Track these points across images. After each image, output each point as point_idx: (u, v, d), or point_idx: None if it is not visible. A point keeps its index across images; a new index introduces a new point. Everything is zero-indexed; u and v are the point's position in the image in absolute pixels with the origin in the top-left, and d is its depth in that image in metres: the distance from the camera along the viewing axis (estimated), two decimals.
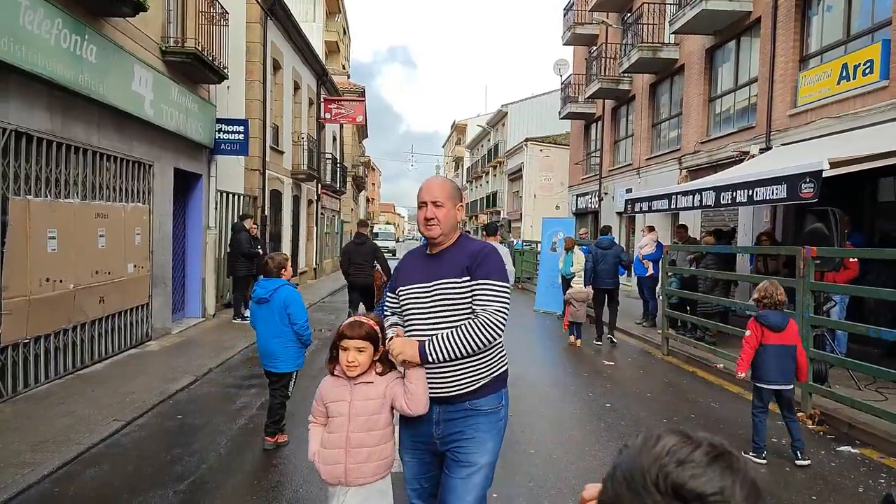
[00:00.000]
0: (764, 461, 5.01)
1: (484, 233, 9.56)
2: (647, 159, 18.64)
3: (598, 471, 4.71)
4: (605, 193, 22.02)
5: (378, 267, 9.77)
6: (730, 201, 8.42)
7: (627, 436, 5.45)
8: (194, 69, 9.96)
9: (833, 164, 6.44)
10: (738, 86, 14.17)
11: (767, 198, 7.51)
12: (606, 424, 5.89)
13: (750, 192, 7.87)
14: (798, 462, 4.94)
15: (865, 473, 4.80)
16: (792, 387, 5.08)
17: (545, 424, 5.90)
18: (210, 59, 10.17)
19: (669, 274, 10.26)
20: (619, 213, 20.89)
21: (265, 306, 5.02)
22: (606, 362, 8.95)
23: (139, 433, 5.46)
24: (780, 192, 7.19)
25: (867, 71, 9.80)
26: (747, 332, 5.11)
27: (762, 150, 12.38)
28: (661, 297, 10.63)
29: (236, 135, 11.46)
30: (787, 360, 4.98)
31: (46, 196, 6.54)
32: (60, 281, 6.74)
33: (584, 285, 10.62)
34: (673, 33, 15.28)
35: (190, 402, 6.45)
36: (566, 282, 13.49)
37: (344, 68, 34.32)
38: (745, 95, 13.91)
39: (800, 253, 6.29)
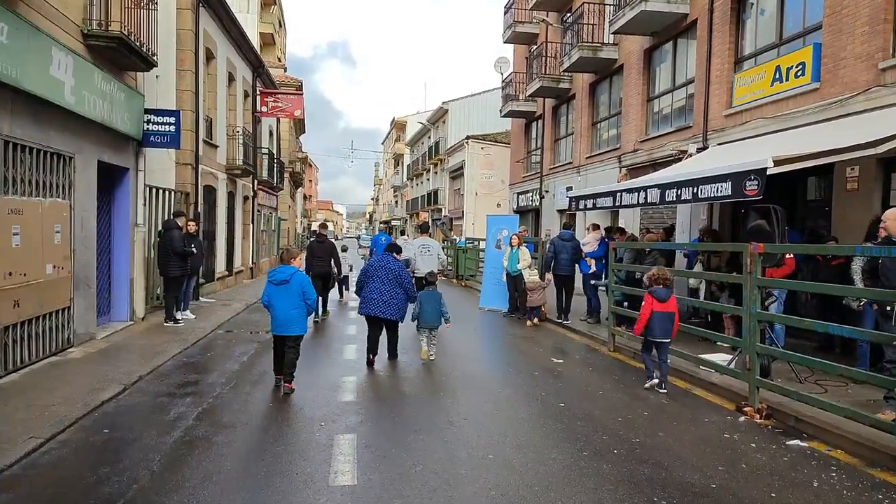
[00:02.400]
0: (656, 381, 7.19)
1: (419, 231, 13.75)
2: (587, 158, 18.87)
3: (561, 475, 4.57)
4: (546, 191, 22.21)
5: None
6: (675, 198, 8.51)
7: (585, 436, 5.36)
8: (120, 55, 9.29)
9: (777, 162, 6.56)
10: (675, 86, 14.49)
11: (712, 195, 7.61)
12: (563, 425, 5.77)
13: (695, 189, 7.97)
14: (659, 390, 7.09)
15: (817, 467, 4.86)
16: (669, 340, 7.22)
17: (501, 427, 5.73)
18: (137, 44, 9.51)
19: (616, 271, 10.33)
20: (560, 211, 21.11)
21: (285, 286, 6.73)
22: (555, 360, 8.90)
23: (60, 451, 4.94)
24: (725, 189, 7.29)
25: (799, 73, 10.14)
26: (644, 303, 7.18)
27: (699, 150, 12.68)
28: (604, 291, 10.80)
29: (167, 126, 10.79)
30: (667, 322, 7.12)
31: None
32: None
33: (546, 273, 12.45)
34: (613, 33, 15.48)
35: (118, 415, 5.93)
36: (511, 279, 13.48)
37: (280, 61, 33.36)
38: (683, 96, 14.24)
39: (747, 249, 6.36)
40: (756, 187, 6.71)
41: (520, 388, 7.23)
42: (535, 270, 13.11)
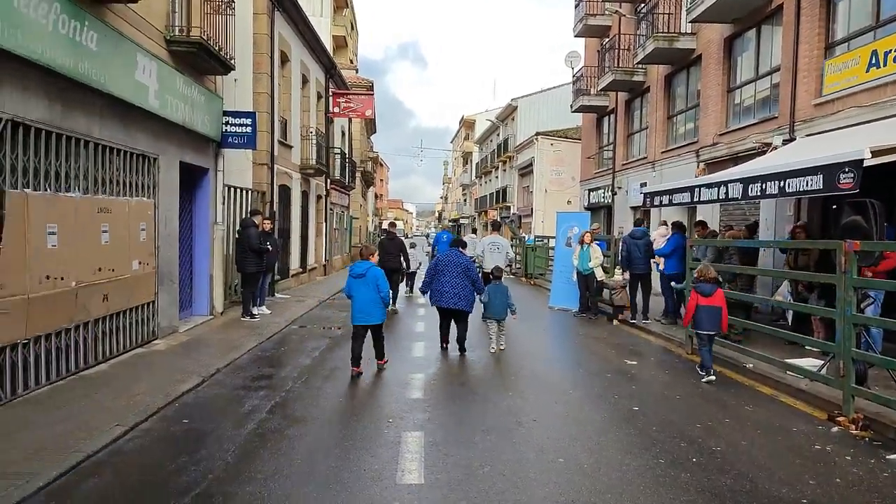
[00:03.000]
0: (713, 377, 7.39)
1: (491, 229, 14.25)
2: (662, 152, 18.21)
3: (636, 483, 4.37)
4: (619, 188, 21.60)
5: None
6: (759, 193, 8.03)
7: (661, 442, 5.12)
8: (200, 59, 9.66)
9: (875, 153, 6.05)
10: (758, 75, 13.72)
11: (801, 189, 7.12)
12: (637, 430, 5.54)
13: (781, 183, 7.48)
14: (703, 379, 7.37)
15: None
16: (715, 332, 7.58)
17: (571, 429, 5.56)
18: (216, 49, 9.86)
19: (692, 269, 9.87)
20: (633, 208, 20.47)
21: (362, 280, 7.38)
22: (629, 362, 8.59)
23: (142, 439, 5.16)
24: (816, 183, 6.80)
25: None
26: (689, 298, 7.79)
27: (786, 142, 11.95)
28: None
29: (244, 128, 11.16)
30: (715, 316, 7.48)
31: (46, 189, 6.25)
32: (62, 278, 6.46)
33: (622, 271, 12.32)
34: (691, 21, 14.83)
35: (196, 406, 6.15)
36: (582, 277, 13.16)
37: (352, 63, 34.01)
38: (766, 85, 13.47)
39: (841, 247, 5.91)
40: (851, 180, 6.21)
41: (591, 390, 7.02)
42: (617, 269, 13.01)
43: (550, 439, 5.29)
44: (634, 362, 8.56)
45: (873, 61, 9.89)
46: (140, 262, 8.26)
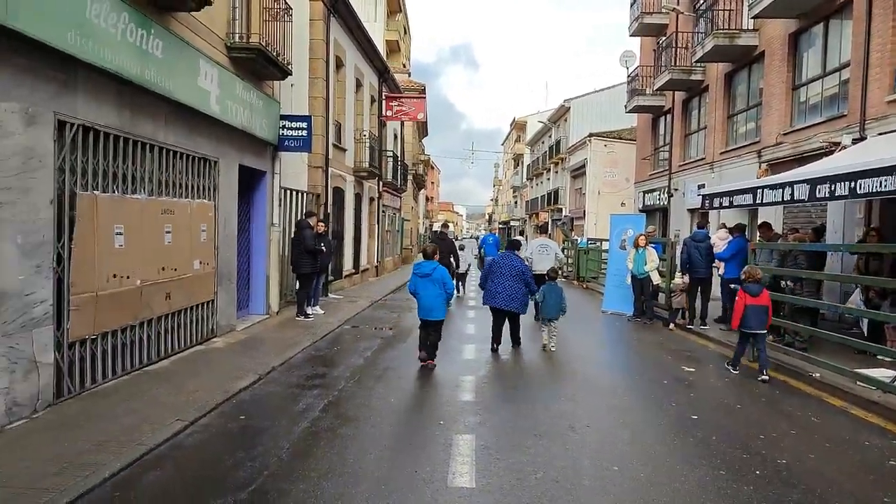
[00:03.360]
0: (736, 372, 8.02)
1: (538, 231, 13.82)
2: (721, 153, 17.64)
3: (696, 494, 4.22)
4: (675, 189, 21.04)
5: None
6: (827, 195, 7.65)
7: (721, 453, 4.93)
8: (259, 65, 9.91)
9: None
10: (826, 72, 13.13)
11: (875, 190, 6.74)
12: (696, 439, 5.35)
13: (852, 184, 7.11)
14: (760, 377, 7.60)
15: None
16: (765, 331, 7.91)
17: (626, 436, 5.42)
18: (274, 54, 10.10)
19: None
20: (691, 210, 19.91)
21: (428, 279, 7.92)
22: (686, 368, 8.34)
23: (201, 434, 5.31)
24: (892, 183, 6.44)
25: None
26: (737, 298, 7.99)
27: (855, 141, 11.39)
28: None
29: (300, 131, 11.39)
30: (762, 315, 7.80)
31: (114, 191, 6.51)
32: (127, 277, 6.72)
33: (682, 275, 11.94)
34: (753, 17, 14.33)
35: (253, 403, 6.29)
36: (637, 281, 12.87)
37: (405, 67, 34.30)
38: (835, 82, 12.87)
39: None
40: None
41: (647, 397, 6.83)
42: (677, 273, 12.65)
43: (605, 446, 5.17)
44: (692, 369, 8.29)
45: None
46: (201, 262, 8.52)
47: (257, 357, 8.08)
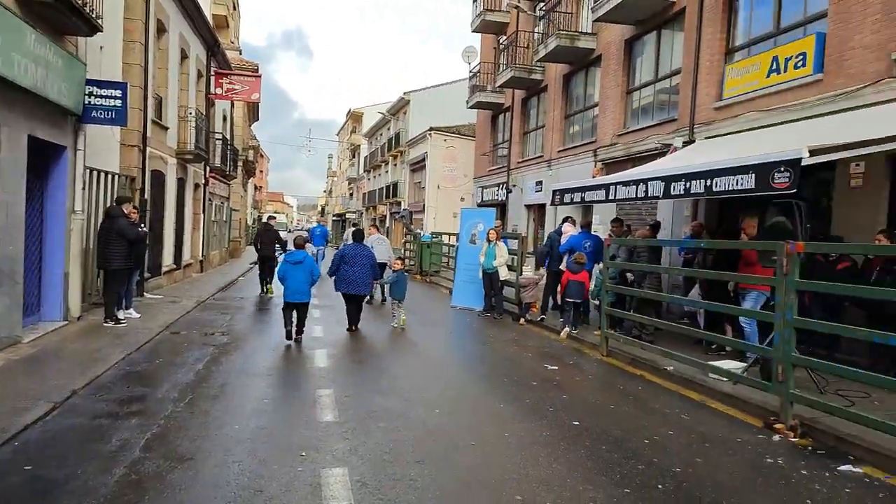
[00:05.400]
0: (573, 331, 10.02)
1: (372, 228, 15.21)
2: (559, 151, 18.25)
3: None
4: (514, 185, 21.51)
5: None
6: (682, 192, 7.81)
7: (617, 465, 4.57)
8: (59, 14, 8.01)
9: (813, 153, 5.92)
10: (658, 77, 13.94)
11: (730, 188, 6.93)
12: (586, 451, 4.95)
13: (708, 182, 7.28)
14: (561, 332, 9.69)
15: (886, 499, 4.20)
16: (581, 300, 10.34)
17: (515, 455, 4.86)
18: (80, 2, 8.23)
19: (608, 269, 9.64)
20: (528, 206, 20.46)
21: (300, 266, 9.11)
22: (549, 367, 8.11)
23: None
24: (747, 182, 6.63)
25: (800, 64, 9.65)
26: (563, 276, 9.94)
27: (686, 143, 12.14)
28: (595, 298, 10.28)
29: (112, 101, 9.51)
30: (580, 288, 10.21)
31: None
32: None
33: (538, 267, 12.59)
34: (595, 21, 14.83)
35: (45, 444, 4.77)
36: (486, 276, 12.68)
37: (233, 44, 31.61)
38: (666, 87, 13.69)
39: (783, 248, 5.69)
40: (787, 180, 6.05)
41: (523, 403, 6.38)
42: (525, 267, 13.22)
43: (494, 467, 4.57)
44: (556, 367, 8.09)
45: (774, 67, 10.15)
46: None
47: (51, 378, 6.40)
